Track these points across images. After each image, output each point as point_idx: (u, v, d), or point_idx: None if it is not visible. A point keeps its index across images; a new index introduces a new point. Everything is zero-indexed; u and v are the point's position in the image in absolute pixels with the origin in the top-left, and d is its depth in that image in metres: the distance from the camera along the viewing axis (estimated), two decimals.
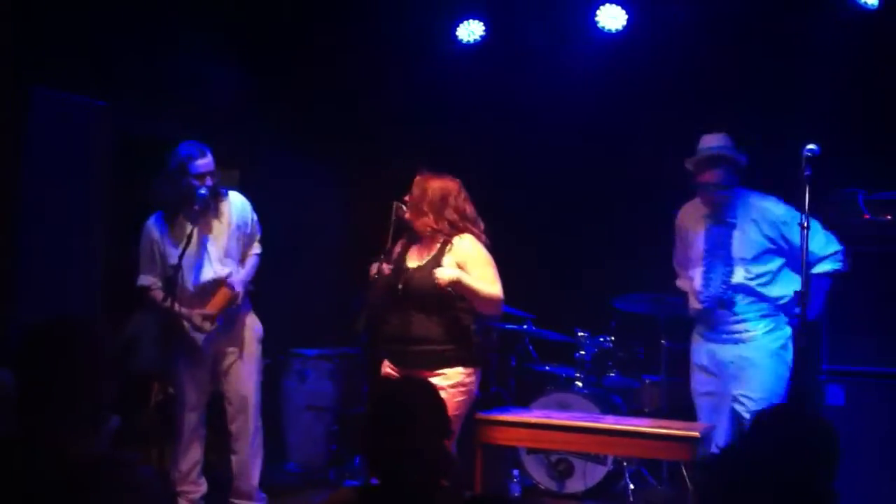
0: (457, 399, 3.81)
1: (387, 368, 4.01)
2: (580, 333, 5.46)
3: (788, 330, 4.19)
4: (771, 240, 4.19)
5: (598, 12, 5.82)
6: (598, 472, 5.03)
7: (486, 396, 5.46)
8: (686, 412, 4.59)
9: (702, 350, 4.38)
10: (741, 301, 4.22)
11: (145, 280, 4.49)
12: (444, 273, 3.80)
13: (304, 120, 6.26)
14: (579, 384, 5.36)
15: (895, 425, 4.35)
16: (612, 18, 5.80)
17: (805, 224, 3.66)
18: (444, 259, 3.90)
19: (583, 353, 5.44)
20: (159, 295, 4.40)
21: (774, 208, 4.24)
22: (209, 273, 4.46)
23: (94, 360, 2.12)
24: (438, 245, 3.95)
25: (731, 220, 4.29)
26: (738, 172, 4.30)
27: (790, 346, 4.14)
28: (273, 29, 5.97)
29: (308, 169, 6.33)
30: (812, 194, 3.65)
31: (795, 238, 3.94)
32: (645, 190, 5.65)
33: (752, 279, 4.19)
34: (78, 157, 4.94)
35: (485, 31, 6.12)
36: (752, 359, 4.17)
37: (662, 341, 5.18)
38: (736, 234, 4.26)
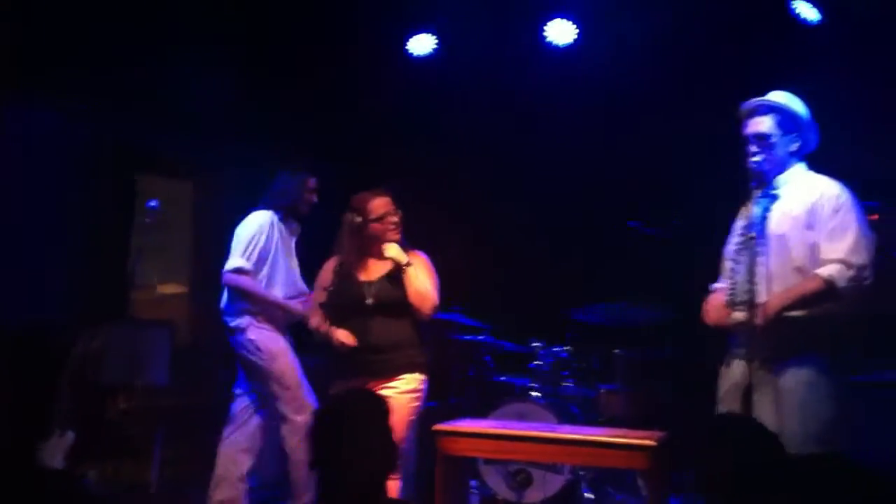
0: (412, 405, 4.04)
1: (341, 380, 4.04)
2: (536, 344, 5.52)
3: None
4: (813, 223, 3.49)
5: (547, 26, 5.90)
6: (556, 482, 5.08)
7: (445, 408, 5.51)
8: (642, 421, 4.67)
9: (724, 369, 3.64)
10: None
11: (240, 262, 4.49)
12: (399, 251, 4.02)
13: (260, 132, 6.25)
14: (536, 394, 5.42)
15: None
16: (561, 33, 5.89)
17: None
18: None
19: (539, 363, 5.51)
20: (251, 282, 4.46)
21: (830, 188, 3.55)
22: (295, 288, 4.61)
23: (52, 372, 2.12)
24: (377, 254, 4.12)
25: (774, 191, 3.61)
26: (796, 141, 3.63)
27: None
28: (232, 43, 5.95)
29: (264, 181, 6.32)
30: (748, 207, 3.64)
31: (831, 227, 3.44)
32: (599, 201, 5.75)
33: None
34: (51, 164, 4.92)
35: (436, 44, 6.18)
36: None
37: (617, 350, 5.26)
38: (777, 208, 3.58)
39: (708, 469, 2.33)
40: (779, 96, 3.69)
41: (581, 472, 5.14)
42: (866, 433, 3.73)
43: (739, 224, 3.72)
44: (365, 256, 4.14)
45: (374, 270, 4.13)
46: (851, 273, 3.38)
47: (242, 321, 4.53)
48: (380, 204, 4.13)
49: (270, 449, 5.64)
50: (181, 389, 5.12)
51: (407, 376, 4.05)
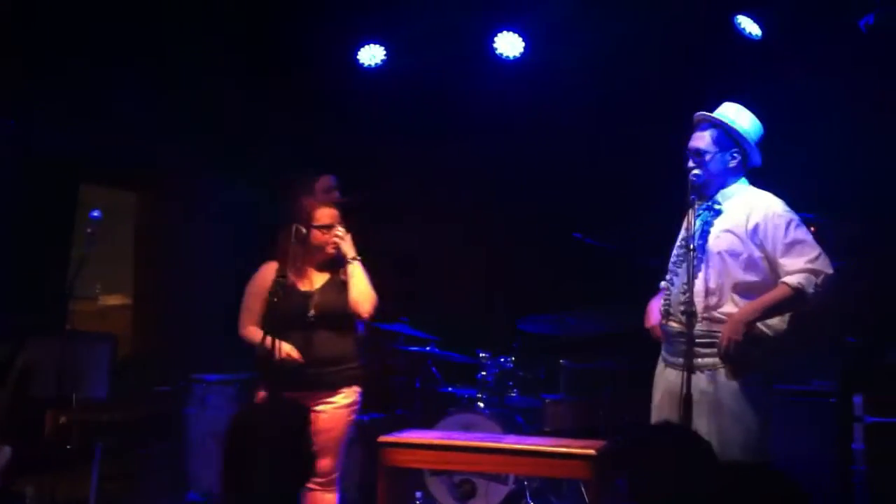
0: (350, 419, 4.02)
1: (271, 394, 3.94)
2: (482, 354, 5.53)
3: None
4: (756, 238, 3.57)
5: (496, 39, 5.94)
6: (500, 492, 5.08)
7: (391, 419, 5.49)
8: (585, 430, 4.69)
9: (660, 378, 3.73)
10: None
11: None
12: (349, 245, 4.03)
13: (205, 143, 6.20)
14: (482, 405, 5.42)
15: None
16: (509, 45, 5.93)
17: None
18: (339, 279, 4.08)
19: (484, 373, 5.51)
20: None
21: (773, 204, 3.62)
22: None
23: None
24: (332, 267, 4.08)
25: (717, 206, 3.68)
26: (735, 157, 3.67)
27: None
28: (179, 54, 5.90)
29: (211, 192, 6.28)
30: (690, 219, 3.63)
31: (783, 243, 3.52)
32: (545, 213, 5.78)
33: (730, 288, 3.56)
34: None
35: (385, 55, 6.18)
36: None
37: (562, 361, 5.29)
38: (718, 223, 3.64)
39: (641, 478, 2.35)
40: (728, 109, 3.74)
41: (525, 482, 5.15)
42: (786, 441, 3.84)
43: (680, 235, 3.77)
44: (306, 266, 4.09)
45: (315, 280, 4.09)
46: (818, 280, 3.48)
47: None
48: (325, 213, 4.10)
49: (211, 460, 5.59)
50: (121, 403, 5.04)
51: (346, 390, 4.02)
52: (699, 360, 3.50)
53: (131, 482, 4.63)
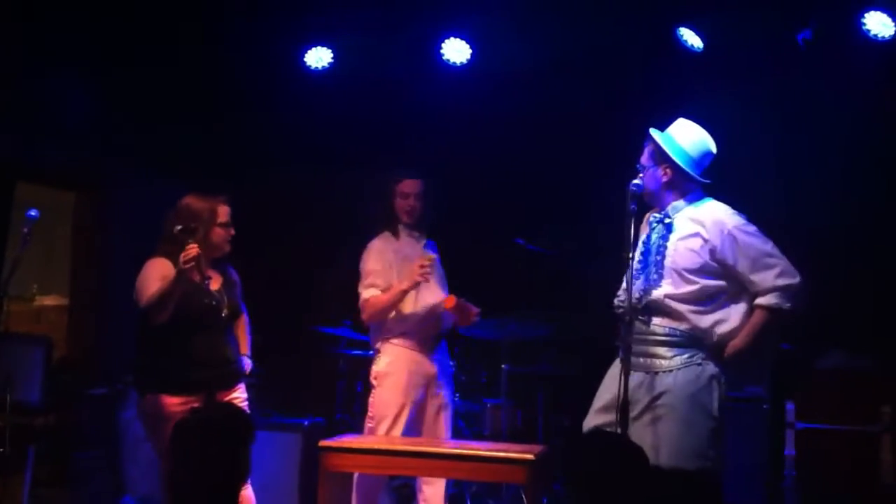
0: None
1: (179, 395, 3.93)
2: None
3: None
4: (713, 252, 3.64)
5: (443, 45, 5.96)
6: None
7: (331, 423, 5.47)
8: (525, 435, 4.72)
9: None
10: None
11: (371, 292, 4.45)
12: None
13: (146, 145, 6.11)
14: None
15: None
16: (456, 52, 5.95)
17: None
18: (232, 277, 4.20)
19: None
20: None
21: (726, 217, 3.70)
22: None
23: None
24: (219, 265, 4.15)
25: (668, 219, 3.77)
26: (669, 171, 3.75)
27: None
28: (119, 54, 5.81)
29: (151, 193, 6.19)
30: (636, 228, 3.68)
31: (746, 258, 3.59)
32: (488, 218, 5.82)
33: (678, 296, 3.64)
34: None
35: (332, 58, 6.16)
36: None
37: (503, 366, 5.32)
38: (673, 237, 3.73)
39: (575, 483, 2.38)
40: (674, 126, 3.84)
41: (467, 486, 5.17)
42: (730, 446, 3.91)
43: (627, 245, 3.81)
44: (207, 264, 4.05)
45: (215, 280, 4.11)
46: (791, 293, 3.58)
47: None
48: (225, 211, 4.13)
49: (148, 464, 5.52)
50: (55, 407, 4.94)
51: (241, 385, 4.14)
52: (662, 361, 3.62)
53: (65, 487, 4.54)
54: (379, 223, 4.64)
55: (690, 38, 5.54)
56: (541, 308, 5.38)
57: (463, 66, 5.96)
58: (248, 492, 4.02)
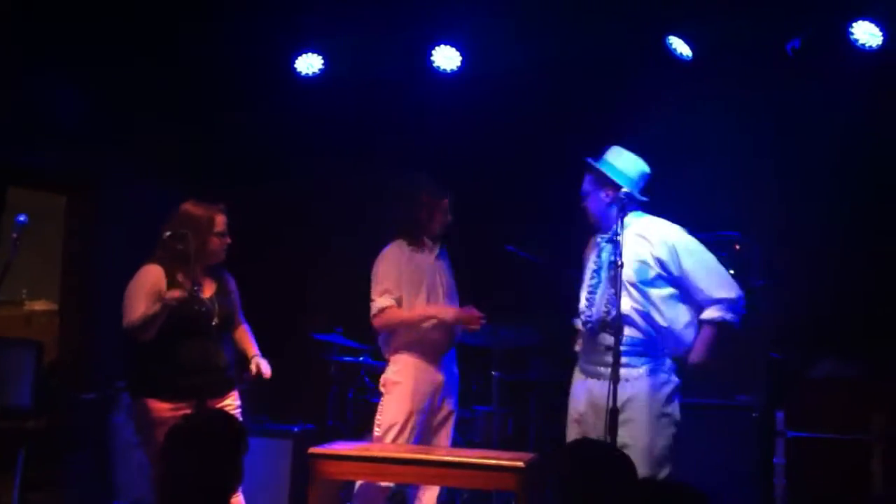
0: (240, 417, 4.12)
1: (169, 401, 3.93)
2: None
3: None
4: (661, 263, 3.87)
5: (433, 52, 5.97)
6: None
7: (322, 430, 5.47)
8: (516, 442, 4.72)
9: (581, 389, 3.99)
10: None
11: (387, 301, 4.43)
12: None
13: (141, 148, 6.10)
14: None
15: None
16: (447, 59, 5.97)
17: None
18: (228, 286, 4.21)
19: None
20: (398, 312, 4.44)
21: (668, 230, 3.95)
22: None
23: None
24: (215, 272, 4.14)
25: (615, 236, 3.87)
26: (612, 193, 3.96)
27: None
28: (115, 58, 5.80)
29: (142, 198, 6.18)
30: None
31: (689, 268, 3.83)
32: (479, 225, 5.82)
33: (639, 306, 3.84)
34: None
35: (323, 64, 6.17)
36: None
37: (494, 373, 5.32)
38: (623, 254, 3.82)
39: (562, 491, 2.39)
40: (609, 153, 4.06)
41: (458, 493, 5.17)
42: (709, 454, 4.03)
43: (589, 266, 4.09)
44: (198, 272, 4.06)
45: (208, 287, 4.10)
46: (733, 306, 3.82)
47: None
48: (222, 220, 4.13)
49: (139, 468, 5.51)
50: (45, 410, 4.93)
51: (234, 393, 4.14)
52: (626, 370, 3.75)
53: (55, 491, 4.53)
54: (401, 232, 4.60)
55: (680, 46, 5.57)
56: (532, 315, 5.39)
57: (453, 73, 5.98)
58: (238, 499, 4.02)
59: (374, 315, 4.48)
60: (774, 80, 5.48)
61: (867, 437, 4.58)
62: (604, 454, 2.45)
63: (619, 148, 4.07)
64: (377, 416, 4.52)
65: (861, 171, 5.44)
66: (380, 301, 4.47)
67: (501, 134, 6.02)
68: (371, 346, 5.66)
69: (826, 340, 5.20)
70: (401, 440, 4.41)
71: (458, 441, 5.39)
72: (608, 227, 3.97)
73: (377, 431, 4.50)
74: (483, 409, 5.53)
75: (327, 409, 5.70)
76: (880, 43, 5.13)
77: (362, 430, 5.41)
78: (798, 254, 5.36)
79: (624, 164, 4.02)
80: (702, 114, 5.56)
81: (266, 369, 4.21)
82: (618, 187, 3.94)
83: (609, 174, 3.98)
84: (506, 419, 5.50)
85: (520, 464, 3.78)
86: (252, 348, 4.29)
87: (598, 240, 4.07)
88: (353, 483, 5.15)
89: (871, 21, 5.12)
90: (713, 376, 4.06)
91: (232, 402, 4.13)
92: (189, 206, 4.09)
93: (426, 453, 4.23)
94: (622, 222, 3.78)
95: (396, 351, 4.52)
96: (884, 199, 5.38)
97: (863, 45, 5.16)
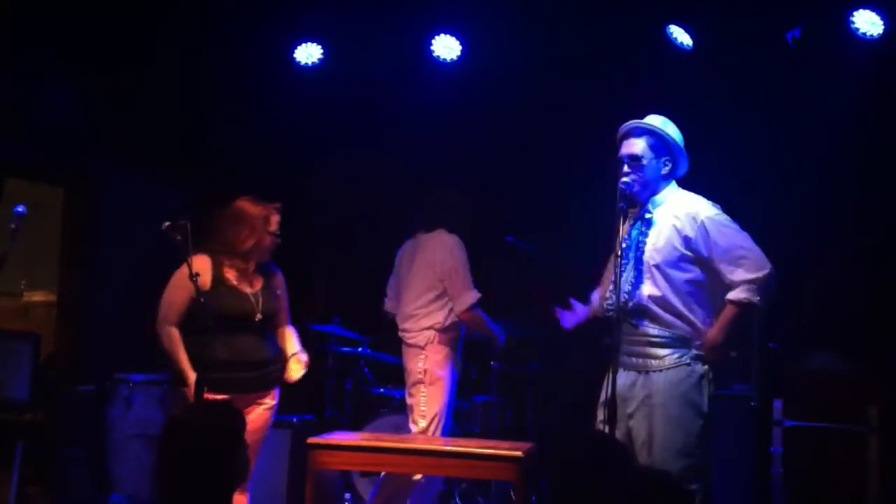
0: (272, 418, 4.14)
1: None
2: None
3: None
4: (687, 244, 3.64)
5: (433, 41, 5.95)
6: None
7: (320, 421, 5.46)
8: (514, 432, 4.72)
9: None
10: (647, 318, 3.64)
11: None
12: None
13: (139, 140, 6.08)
14: None
15: None
16: (446, 48, 5.95)
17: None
18: (275, 283, 4.17)
19: None
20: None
21: (698, 207, 3.69)
22: None
23: None
24: (254, 268, 4.09)
25: (647, 214, 3.74)
26: (667, 165, 3.76)
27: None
28: (111, 49, 5.77)
29: (141, 190, 6.17)
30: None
31: (718, 248, 3.60)
32: (479, 216, 5.80)
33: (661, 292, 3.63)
34: None
35: (322, 54, 6.14)
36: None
37: (493, 363, 5.32)
38: (652, 233, 3.71)
39: (560, 480, 2.39)
40: (655, 120, 3.81)
41: (457, 483, 5.17)
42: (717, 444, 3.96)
43: (617, 244, 3.78)
44: (249, 269, 4.07)
45: (255, 283, 4.08)
46: (761, 284, 3.56)
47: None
48: (277, 220, 4.14)
49: (136, 462, 5.51)
50: (42, 403, 4.92)
51: (273, 391, 4.11)
52: (653, 361, 3.63)
53: (52, 484, 4.52)
54: (454, 228, 4.73)
55: (681, 35, 5.55)
56: (531, 306, 5.38)
57: (453, 62, 5.96)
58: (244, 498, 3.98)
59: (469, 307, 4.52)
60: (775, 68, 5.46)
61: (864, 427, 4.58)
62: (600, 444, 2.44)
63: (660, 116, 3.81)
64: (420, 407, 4.53)
65: (862, 160, 5.43)
66: (475, 294, 4.55)
67: (501, 123, 6.00)
68: (369, 337, 5.67)
69: (823, 332, 5.20)
70: (438, 431, 4.52)
71: (456, 431, 5.39)
72: (647, 200, 3.75)
73: (422, 423, 4.51)
74: (482, 398, 5.53)
75: (325, 399, 5.69)
76: (881, 32, 5.12)
77: (361, 420, 5.41)
78: (796, 245, 5.34)
79: (674, 132, 3.77)
80: (702, 103, 5.54)
81: (304, 358, 4.19)
82: (673, 156, 3.74)
83: (678, 141, 3.73)
84: (504, 409, 5.50)
85: (518, 453, 3.77)
86: (292, 347, 4.23)
87: (631, 216, 3.74)
88: (350, 473, 5.18)
89: (872, 10, 5.10)
90: (731, 362, 3.84)
91: (269, 402, 4.09)
92: (245, 204, 4.07)
93: (425, 443, 4.23)
94: (654, 199, 3.70)
95: (441, 343, 4.58)
96: (884, 189, 5.36)
97: (863, 33, 5.14)
